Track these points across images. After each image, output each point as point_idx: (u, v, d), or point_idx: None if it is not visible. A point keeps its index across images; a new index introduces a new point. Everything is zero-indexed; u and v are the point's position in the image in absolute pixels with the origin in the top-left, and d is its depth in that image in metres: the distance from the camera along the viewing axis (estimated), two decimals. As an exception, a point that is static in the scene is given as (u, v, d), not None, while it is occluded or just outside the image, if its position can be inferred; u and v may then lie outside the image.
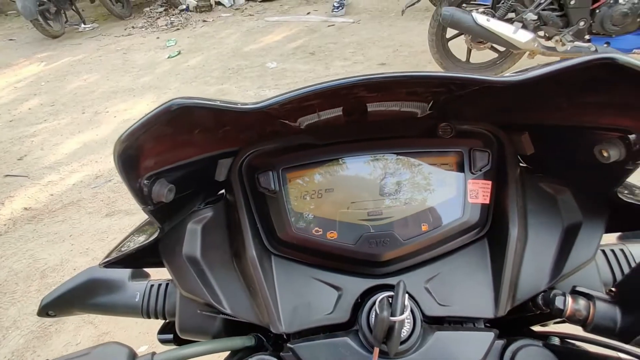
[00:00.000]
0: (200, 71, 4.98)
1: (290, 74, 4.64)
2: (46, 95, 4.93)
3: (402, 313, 0.33)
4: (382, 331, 0.33)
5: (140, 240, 0.42)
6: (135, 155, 0.32)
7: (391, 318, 0.33)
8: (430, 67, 4.41)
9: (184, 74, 4.97)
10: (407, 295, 0.34)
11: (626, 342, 0.34)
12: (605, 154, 0.35)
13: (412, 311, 0.38)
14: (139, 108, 4.42)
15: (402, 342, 0.36)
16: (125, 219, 2.85)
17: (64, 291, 0.52)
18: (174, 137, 0.35)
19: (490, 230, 0.44)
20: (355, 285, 0.43)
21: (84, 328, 2.02)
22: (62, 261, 2.58)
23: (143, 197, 0.35)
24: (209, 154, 0.43)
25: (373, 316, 0.38)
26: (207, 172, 0.45)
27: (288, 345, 0.40)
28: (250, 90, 4.44)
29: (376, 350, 0.34)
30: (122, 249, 0.42)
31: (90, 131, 4.09)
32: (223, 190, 0.50)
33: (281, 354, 0.40)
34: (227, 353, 0.49)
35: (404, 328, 0.36)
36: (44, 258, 2.63)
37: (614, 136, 0.34)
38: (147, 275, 0.56)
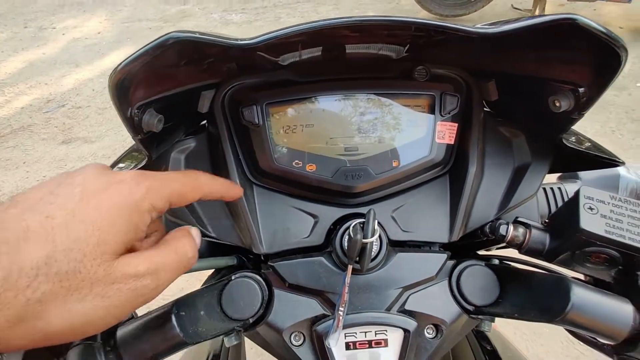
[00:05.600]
0: (159, -13, 4.54)
1: (258, -3, 4.33)
2: (-22, 4, 4.36)
3: (372, 236, 0.38)
4: (355, 251, 0.38)
5: (128, 167, 0.43)
6: (128, 86, 0.33)
7: (363, 240, 0.38)
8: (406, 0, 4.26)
9: (141, -11, 4.51)
10: (376, 221, 0.39)
11: (550, 262, 0.42)
12: (557, 104, 0.39)
13: (379, 236, 0.43)
14: (91, 25, 4.03)
15: (371, 261, 0.42)
16: (84, 147, 2.74)
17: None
18: (162, 68, 0.36)
19: (452, 168, 0.49)
20: (330, 213, 0.47)
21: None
22: (18, 188, 2.49)
23: (134, 127, 0.36)
24: (193, 85, 0.44)
25: (346, 239, 0.43)
26: (190, 104, 0.46)
27: (269, 263, 0.45)
28: (215, 13, 4.14)
29: (349, 267, 0.40)
30: None
31: (36, 49, 3.73)
32: (204, 122, 0.51)
33: (262, 271, 0.46)
34: (211, 272, 0.54)
35: (373, 249, 0.42)
36: (-2, 184, 2.52)
37: (566, 89, 0.39)
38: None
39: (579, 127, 0.45)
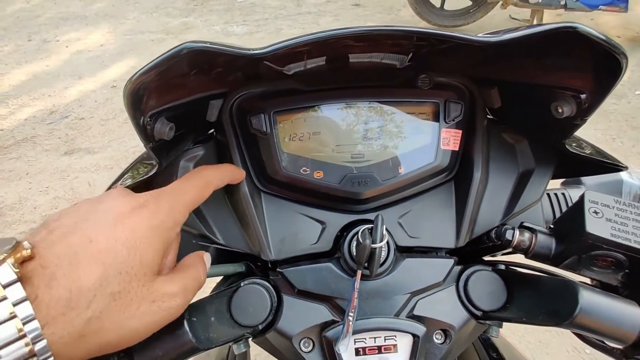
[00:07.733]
0: (162, 0, 4.59)
1: (259, 10, 4.39)
2: (-17, 18, 4.41)
3: (381, 240, 0.39)
4: (364, 256, 0.39)
5: (138, 176, 0.44)
6: (141, 95, 0.34)
7: (372, 245, 0.38)
8: (405, 10, 4.32)
9: (144, 2, 4.56)
10: (384, 226, 0.40)
11: (556, 266, 0.42)
12: (560, 110, 0.40)
13: (387, 241, 0.43)
14: (94, 38, 4.08)
15: (379, 266, 0.42)
16: (86, 158, 2.75)
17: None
18: (174, 78, 0.37)
19: (457, 174, 0.50)
20: (337, 220, 0.48)
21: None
22: (21, 199, 2.49)
23: (147, 135, 0.37)
24: (202, 94, 0.45)
25: (354, 245, 0.43)
26: (199, 112, 0.47)
27: (278, 269, 0.45)
28: (216, 25, 4.18)
29: (359, 272, 0.40)
30: (123, 184, 0.44)
31: (40, 61, 3.77)
32: (212, 130, 0.52)
33: (270, 277, 0.46)
34: (219, 279, 0.54)
35: (382, 254, 0.42)
36: (0, 196, 2.52)
37: (568, 95, 0.39)
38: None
39: (581, 134, 0.45)
